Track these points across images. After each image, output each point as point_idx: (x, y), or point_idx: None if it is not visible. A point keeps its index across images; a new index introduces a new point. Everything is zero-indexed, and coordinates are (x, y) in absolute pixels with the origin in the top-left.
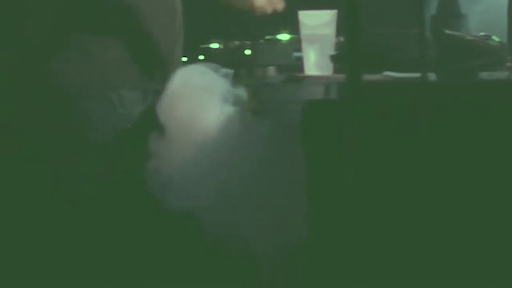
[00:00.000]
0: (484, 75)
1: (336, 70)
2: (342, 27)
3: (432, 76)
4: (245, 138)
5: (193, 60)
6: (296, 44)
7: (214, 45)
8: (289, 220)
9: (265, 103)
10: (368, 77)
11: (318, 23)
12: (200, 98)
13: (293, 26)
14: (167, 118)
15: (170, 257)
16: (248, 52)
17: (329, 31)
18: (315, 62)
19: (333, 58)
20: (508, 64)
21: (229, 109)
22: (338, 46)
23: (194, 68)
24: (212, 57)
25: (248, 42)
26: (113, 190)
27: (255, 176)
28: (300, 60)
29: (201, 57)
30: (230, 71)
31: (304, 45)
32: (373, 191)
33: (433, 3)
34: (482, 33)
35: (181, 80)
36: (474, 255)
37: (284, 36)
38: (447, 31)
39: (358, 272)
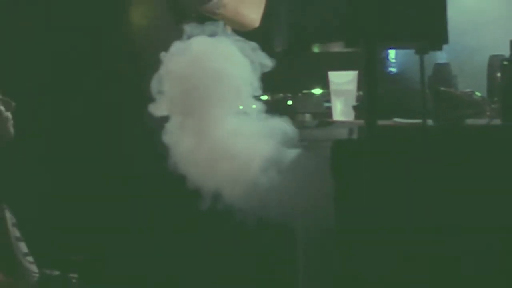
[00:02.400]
0: (469, 121)
1: (357, 117)
2: (361, 84)
3: (430, 122)
4: (300, 165)
5: (247, 108)
6: (326, 96)
7: (264, 97)
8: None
9: (304, 141)
10: (381, 122)
11: (343, 81)
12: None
13: (324, 83)
14: None
15: None
16: (290, 102)
17: (352, 87)
18: (341, 110)
19: (355, 108)
20: (488, 113)
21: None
22: (358, 98)
23: None
24: (262, 106)
25: (290, 95)
26: None
27: (305, 189)
28: (329, 109)
29: (254, 106)
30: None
31: (332, 98)
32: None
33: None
34: (467, 90)
35: None
36: None
37: (317, 91)
38: (442, 88)
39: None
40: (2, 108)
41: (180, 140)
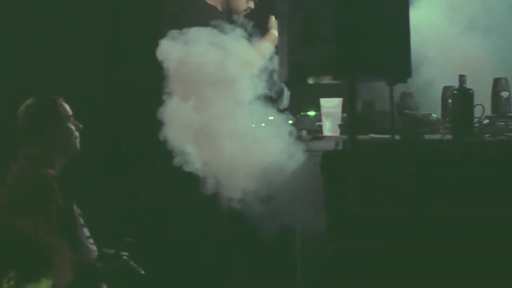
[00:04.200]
0: (427, 136)
1: (341, 133)
2: (344, 107)
3: (397, 137)
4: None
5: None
6: (318, 117)
7: (271, 117)
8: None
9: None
10: (360, 137)
11: (331, 105)
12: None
13: (317, 107)
14: None
15: None
16: (290, 121)
17: (338, 110)
18: (329, 128)
19: (340, 126)
20: (441, 130)
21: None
22: (343, 119)
23: None
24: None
25: (291, 116)
26: None
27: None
28: (320, 127)
29: (263, 124)
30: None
31: (323, 118)
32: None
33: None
34: (426, 112)
35: None
36: None
37: (311, 113)
38: (406, 111)
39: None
40: (73, 127)
41: (178, 116)
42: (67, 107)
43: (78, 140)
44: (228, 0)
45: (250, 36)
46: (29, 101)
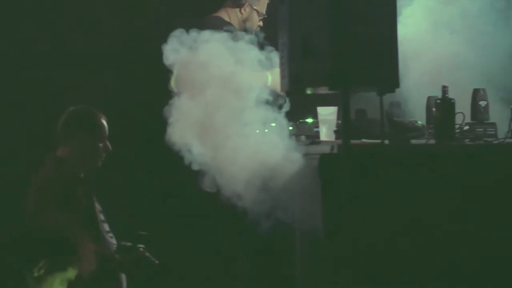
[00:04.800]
0: (414, 141)
1: (336, 138)
2: (339, 115)
3: (386, 141)
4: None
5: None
6: (316, 124)
7: (273, 124)
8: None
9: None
10: (353, 141)
11: (327, 113)
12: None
13: (314, 115)
14: None
15: None
16: (291, 128)
17: (333, 117)
18: (326, 133)
19: (335, 132)
20: (426, 135)
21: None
22: (338, 125)
23: None
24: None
25: (291, 123)
26: None
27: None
28: (318, 132)
29: (266, 130)
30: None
31: (320, 125)
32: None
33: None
34: (412, 119)
35: None
36: None
37: (309, 120)
38: (395, 118)
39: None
40: (103, 148)
41: (184, 114)
42: (106, 127)
43: (101, 160)
44: (245, 19)
45: (261, 46)
46: (73, 108)
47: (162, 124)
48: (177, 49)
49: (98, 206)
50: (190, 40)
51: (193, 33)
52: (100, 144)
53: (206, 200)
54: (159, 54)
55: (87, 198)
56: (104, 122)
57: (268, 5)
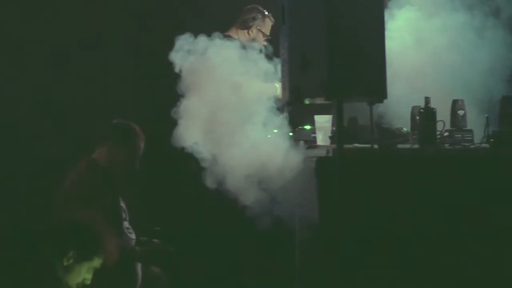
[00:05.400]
0: (400, 146)
1: (331, 143)
2: (333, 123)
3: (376, 146)
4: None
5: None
6: (313, 130)
7: (275, 131)
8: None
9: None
10: (346, 146)
11: (323, 121)
12: None
13: (312, 122)
14: None
15: None
16: (290, 134)
17: (328, 124)
18: (322, 139)
19: (330, 137)
20: (410, 141)
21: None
22: (332, 131)
23: None
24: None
25: (291, 129)
26: None
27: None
28: (315, 138)
29: (269, 135)
30: None
31: (316, 131)
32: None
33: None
34: (398, 126)
35: None
36: None
37: (307, 127)
38: (383, 125)
39: None
40: (132, 164)
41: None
42: (142, 146)
43: (131, 170)
44: (252, 39)
45: (268, 56)
46: (120, 120)
47: (170, 125)
48: (185, 54)
49: (123, 206)
50: (201, 45)
51: (202, 37)
52: (132, 160)
53: (212, 197)
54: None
55: (113, 198)
56: (142, 142)
57: (272, 26)
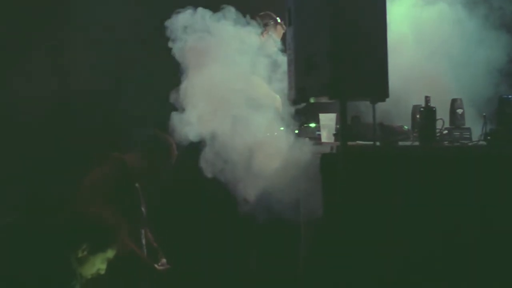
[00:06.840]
0: (401, 143)
1: (335, 140)
2: (337, 121)
3: (378, 143)
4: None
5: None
6: (318, 128)
7: (281, 128)
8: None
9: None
10: (350, 143)
11: (328, 119)
12: None
13: (316, 120)
14: None
15: None
16: (296, 131)
17: (333, 122)
18: (326, 136)
19: (334, 135)
20: (411, 138)
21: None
22: (336, 129)
23: None
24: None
25: (296, 127)
26: None
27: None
28: (319, 135)
29: (275, 133)
30: None
31: (321, 129)
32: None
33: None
34: (400, 124)
35: None
36: None
37: (312, 125)
38: (384, 124)
39: None
40: (159, 175)
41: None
42: (172, 162)
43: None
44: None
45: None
46: (159, 133)
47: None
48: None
49: (143, 210)
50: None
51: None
52: (163, 172)
53: (213, 191)
54: None
55: (134, 201)
56: (174, 159)
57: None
